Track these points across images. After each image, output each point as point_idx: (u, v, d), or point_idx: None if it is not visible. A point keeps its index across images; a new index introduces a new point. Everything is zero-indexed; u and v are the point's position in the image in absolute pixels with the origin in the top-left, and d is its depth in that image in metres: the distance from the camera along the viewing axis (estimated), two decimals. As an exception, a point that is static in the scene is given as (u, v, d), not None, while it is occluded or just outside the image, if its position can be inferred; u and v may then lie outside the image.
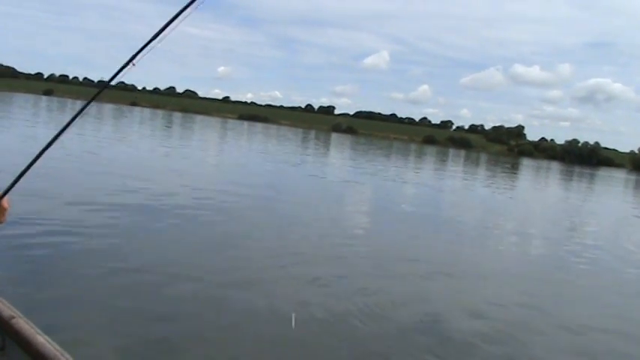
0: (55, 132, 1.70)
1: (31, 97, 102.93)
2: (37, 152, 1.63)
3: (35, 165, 1.62)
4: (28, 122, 36.23)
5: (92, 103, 1.82)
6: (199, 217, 12.22)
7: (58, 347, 1.87)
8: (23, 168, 1.63)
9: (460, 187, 31.77)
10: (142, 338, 5.65)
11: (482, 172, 49.67)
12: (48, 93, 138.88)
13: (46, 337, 1.92)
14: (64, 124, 1.72)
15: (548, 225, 19.87)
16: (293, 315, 6.15)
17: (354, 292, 8.13)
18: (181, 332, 5.94)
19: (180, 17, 2.02)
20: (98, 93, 1.96)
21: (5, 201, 1.55)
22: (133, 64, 1.93)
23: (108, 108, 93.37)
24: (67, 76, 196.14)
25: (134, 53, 1.89)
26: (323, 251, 10.68)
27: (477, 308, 8.31)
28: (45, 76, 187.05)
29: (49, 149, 1.68)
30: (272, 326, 6.36)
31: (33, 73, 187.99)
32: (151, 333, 5.81)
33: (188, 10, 2.03)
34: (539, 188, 40.29)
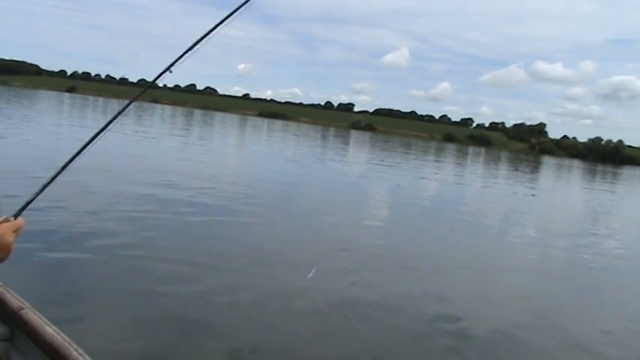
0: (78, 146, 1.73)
1: (54, 94, 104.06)
2: (60, 165, 1.66)
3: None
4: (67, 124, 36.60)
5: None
6: (220, 211, 12.33)
7: (67, 338, 1.89)
8: (45, 182, 1.65)
9: (480, 184, 31.56)
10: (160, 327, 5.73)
11: (502, 169, 49.29)
12: (71, 90, 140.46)
13: (55, 328, 1.94)
14: (91, 135, 1.75)
15: (570, 223, 19.70)
16: (313, 269, 6.09)
17: (372, 286, 8.14)
18: (203, 327, 6.01)
19: (221, 25, 2.09)
20: (128, 105, 1.98)
21: (22, 219, 1.58)
22: (170, 72, 1.99)
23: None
24: (89, 74, 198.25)
25: (173, 60, 1.92)
26: (340, 244, 10.69)
27: (496, 305, 8.29)
28: (68, 74, 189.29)
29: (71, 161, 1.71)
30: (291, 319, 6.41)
31: (56, 70, 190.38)
32: (173, 321, 5.89)
33: (229, 19, 2.11)
34: (561, 186, 39.90)
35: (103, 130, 1.81)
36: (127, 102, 2.05)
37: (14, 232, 1.55)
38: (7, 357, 2.04)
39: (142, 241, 9.05)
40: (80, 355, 1.85)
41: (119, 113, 1.89)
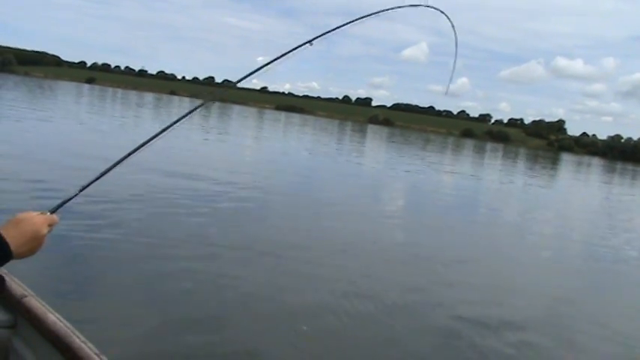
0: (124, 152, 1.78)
1: (74, 84, 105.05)
2: (91, 178, 1.67)
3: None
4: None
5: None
6: (234, 203, 12.43)
7: (69, 325, 1.91)
8: (84, 184, 1.69)
9: (498, 181, 31.40)
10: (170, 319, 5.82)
11: (520, 166, 48.95)
12: (90, 81, 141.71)
13: (58, 315, 1.95)
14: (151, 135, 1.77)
15: (588, 221, 19.54)
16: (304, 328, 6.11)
17: (389, 284, 8.15)
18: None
19: (294, 51, 2.15)
20: (191, 111, 1.99)
21: (57, 216, 1.61)
22: (237, 87, 2.06)
23: (149, 97, 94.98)
24: (108, 65, 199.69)
25: (242, 77, 2.04)
26: (357, 242, 10.72)
27: (513, 301, 8.23)
28: (88, 65, 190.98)
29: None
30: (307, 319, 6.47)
31: (76, 61, 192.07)
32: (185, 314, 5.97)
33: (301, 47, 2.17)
34: (579, 184, 39.55)
35: (157, 135, 1.81)
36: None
37: (49, 226, 1.57)
38: (10, 344, 2.06)
39: (155, 232, 9.16)
40: (83, 342, 1.87)
41: (180, 118, 1.88)
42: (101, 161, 1.77)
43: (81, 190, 1.70)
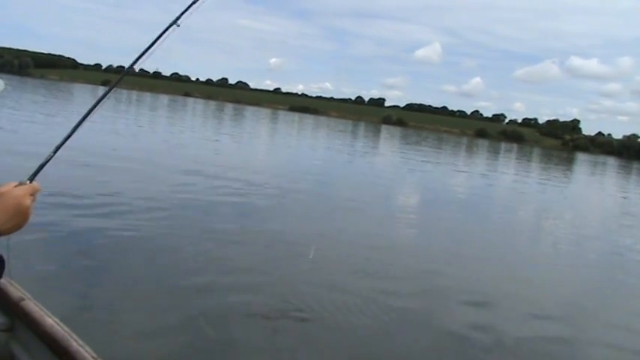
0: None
1: (90, 87, 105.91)
2: (63, 136, 1.65)
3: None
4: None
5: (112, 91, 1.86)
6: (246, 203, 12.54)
7: (67, 329, 1.89)
8: (58, 143, 1.65)
9: (512, 181, 31.27)
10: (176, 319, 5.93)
11: (535, 166, 48.67)
12: (105, 83, 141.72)
13: (56, 318, 1.94)
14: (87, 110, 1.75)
15: (603, 221, 19.41)
16: (313, 247, 6.09)
17: (404, 286, 8.20)
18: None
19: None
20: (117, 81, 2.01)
21: (37, 183, 1.54)
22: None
23: (164, 98, 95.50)
24: (123, 67, 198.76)
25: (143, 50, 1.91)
26: (370, 242, 10.77)
27: (529, 301, 8.23)
28: (103, 67, 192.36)
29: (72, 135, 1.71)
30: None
31: (92, 64, 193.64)
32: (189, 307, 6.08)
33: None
34: (594, 184, 39.25)
35: (93, 108, 1.78)
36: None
37: (31, 195, 1.48)
38: (7, 347, 2.04)
39: (172, 231, 9.29)
40: (80, 346, 1.85)
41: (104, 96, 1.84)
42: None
43: (56, 151, 1.62)
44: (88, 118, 1.73)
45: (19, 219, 1.45)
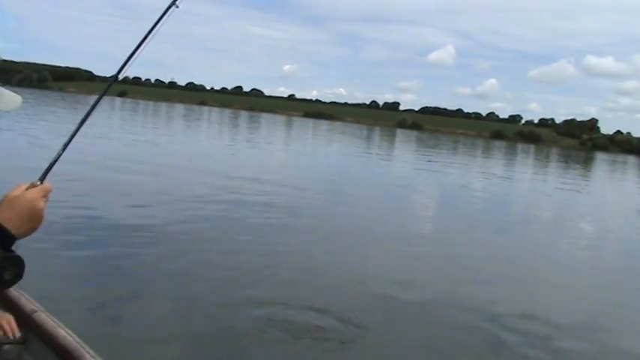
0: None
1: (107, 98, 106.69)
2: (67, 138, 1.64)
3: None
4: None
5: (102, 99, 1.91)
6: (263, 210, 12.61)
7: (79, 340, 1.89)
8: (65, 141, 1.65)
9: (530, 182, 31.05)
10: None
11: (553, 166, 48.28)
12: (122, 94, 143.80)
13: (68, 330, 1.94)
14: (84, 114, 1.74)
15: (627, 221, 19.15)
16: None
17: (421, 291, 8.20)
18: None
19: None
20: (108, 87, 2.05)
21: (48, 183, 1.55)
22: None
23: (180, 108, 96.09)
24: (139, 78, 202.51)
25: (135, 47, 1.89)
26: (389, 247, 10.80)
27: (549, 306, 8.14)
28: (119, 79, 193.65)
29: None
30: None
31: (108, 75, 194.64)
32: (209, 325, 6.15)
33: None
34: (615, 183, 38.82)
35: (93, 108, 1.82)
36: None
37: (44, 196, 1.49)
38: (20, 359, 2.04)
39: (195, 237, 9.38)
40: (92, 357, 1.85)
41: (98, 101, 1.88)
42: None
43: (64, 148, 1.63)
44: (94, 110, 1.74)
45: (33, 222, 1.46)
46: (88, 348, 1.85)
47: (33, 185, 1.50)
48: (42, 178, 1.54)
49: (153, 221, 10.16)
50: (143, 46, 1.88)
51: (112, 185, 13.41)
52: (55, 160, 1.59)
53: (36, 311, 2.05)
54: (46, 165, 1.57)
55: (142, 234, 9.16)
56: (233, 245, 9.41)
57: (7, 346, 1.93)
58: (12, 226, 1.41)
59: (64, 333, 1.91)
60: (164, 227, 9.85)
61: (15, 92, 1.68)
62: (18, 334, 1.94)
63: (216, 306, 6.44)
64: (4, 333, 1.87)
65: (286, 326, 6.01)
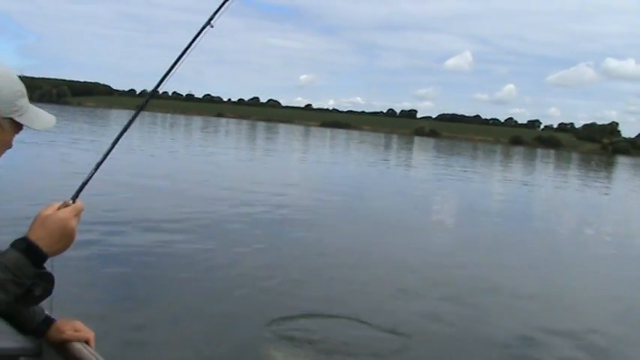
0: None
1: (126, 112, 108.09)
2: (103, 153, 1.69)
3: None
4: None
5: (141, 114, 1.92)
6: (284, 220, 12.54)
7: (94, 352, 1.87)
8: (98, 160, 1.68)
9: (551, 187, 30.70)
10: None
11: (573, 172, 47.73)
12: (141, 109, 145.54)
13: (84, 342, 1.91)
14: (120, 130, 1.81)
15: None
16: None
17: (441, 299, 8.05)
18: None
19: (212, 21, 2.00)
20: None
21: (80, 202, 1.58)
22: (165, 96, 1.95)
23: (198, 120, 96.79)
24: (157, 92, 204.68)
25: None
26: (409, 255, 10.66)
27: (573, 313, 7.98)
28: (137, 92, 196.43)
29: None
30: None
31: (127, 89, 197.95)
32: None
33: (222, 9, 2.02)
34: (638, 188, 38.23)
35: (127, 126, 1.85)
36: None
37: (76, 216, 1.53)
38: None
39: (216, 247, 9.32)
40: None
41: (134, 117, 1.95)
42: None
43: (96, 168, 1.65)
44: (127, 131, 1.78)
45: (65, 241, 1.51)
46: (102, 359, 1.83)
47: (65, 204, 1.54)
48: (74, 197, 1.58)
49: (176, 228, 10.11)
50: (180, 62, 1.95)
51: (135, 194, 13.46)
52: (88, 180, 1.62)
53: None
54: (78, 184, 1.59)
55: (162, 242, 9.13)
56: (262, 254, 9.35)
57: (22, 358, 1.90)
58: (43, 245, 1.46)
59: (80, 345, 1.88)
60: (189, 235, 9.78)
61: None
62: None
63: (244, 318, 6.36)
64: (68, 339, 1.89)
65: (325, 339, 5.99)
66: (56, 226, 1.49)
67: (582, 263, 11.95)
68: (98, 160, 1.66)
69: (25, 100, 1.65)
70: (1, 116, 1.56)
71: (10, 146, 1.65)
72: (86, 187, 1.51)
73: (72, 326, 1.90)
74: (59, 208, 1.52)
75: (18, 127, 1.64)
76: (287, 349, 5.70)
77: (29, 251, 1.46)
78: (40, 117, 1.70)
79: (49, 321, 1.88)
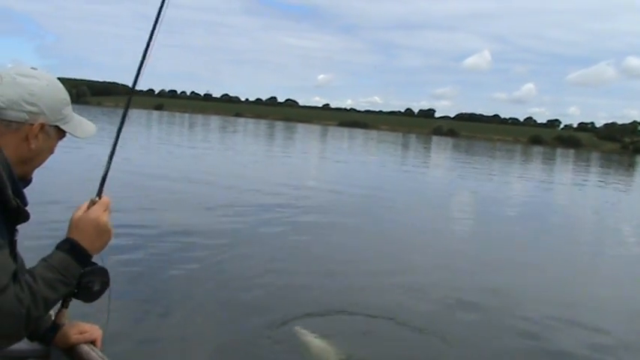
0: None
1: (144, 112, 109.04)
2: (111, 144, 1.77)
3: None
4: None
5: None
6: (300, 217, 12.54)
7: (102, 354, 1.87)
8: (109, 152, 1.75)
9: (571, 187, 30.38)
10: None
11: (593, 172, 47.14)
12: (158, 108, 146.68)
13: (92, 345, 1.92)
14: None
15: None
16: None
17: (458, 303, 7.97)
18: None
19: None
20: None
21: (106, 197, 1.66)
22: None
23: (216, 120, 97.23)
24: (175, 91, 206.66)
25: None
26: (426, 257, 10.60)
27: (592, 317, 7.84)
28: (156, 92, 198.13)
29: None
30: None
31: (145, 89, 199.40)
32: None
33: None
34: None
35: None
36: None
37: (105, 211, 1.62)
38: None
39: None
40: None
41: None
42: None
43: (110, 161, 1.73)
44: (126, 121, 1.85)
45: (103, 237, 1.61)
46: None
47: (92, 202, 1.63)
48: (99, 193, 1.66)
49: (195, 228, 10.12)
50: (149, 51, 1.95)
51: (156, 194, 13.53)
52: (106, 174, 1.71)
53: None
54: (99, 180, 1.68)
55: (180, 240, 9.17)
56: (289, 253, 9.45)
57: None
58: (85, 245, 1.57)
59: (87, 348, 1.88)
60: (207, 234, 9.79)
61: None
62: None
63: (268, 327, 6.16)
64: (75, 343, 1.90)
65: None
66: (90, 226, 1.58)
67: (606, 264, 11.82)
68: (109, 153, 1.73)
69: (70, 109, 1.70)
70: (48, 124, 1.61)
71: (52, 152, 1.69)
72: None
73: (78, 329, 1.90)
74: (88, 207, 1.62)
75: (62, 134, 1.69)
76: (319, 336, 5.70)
77: (73, 251, 1.55)
78: (82, 125, 1.75)
79: (56, 327, 1.89)
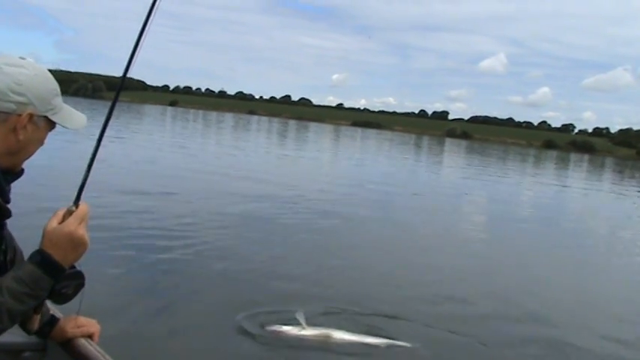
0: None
1: (159, 107, 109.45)
2: (91, 153, 1.67)
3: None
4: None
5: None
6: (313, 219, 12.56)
7: (99, 349, 1.88)
8: (88, 162, 1.67)
9: (584, 191, 30.16)
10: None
11: (607, 178, 46.75)
12: (173, 104, 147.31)
13: (89, 339, 1.92)
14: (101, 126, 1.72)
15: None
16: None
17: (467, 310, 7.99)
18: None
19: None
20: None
21: (84, 205, 1.58)
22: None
23: (229, 117, 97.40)
24: (190, 88, 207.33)
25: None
26: (436, 259, 10.61)
27: (603, 327, 7.84)
28: (171, 88, 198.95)
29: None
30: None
31: (160, 85, 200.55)
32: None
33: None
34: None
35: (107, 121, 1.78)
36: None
37: (80, 223, 1.53)
38: None
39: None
40: None
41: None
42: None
43: (88, 169, 1.65)
44: (107, 128, 1.74)
45: (77, 250, 1.52)
46: (108, 356, 1.83)
47: (69, 211, 1.54)
48: (76, 202, 1.57)
49: (198, 226, 10.17)
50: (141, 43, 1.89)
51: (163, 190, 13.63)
52: (84, 182, 1.62)
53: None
54: (76, 189, 1.59)
55: (183, 239, 9.04)
56: (302, 252, 9.46)
57: (27, 353, 1.93)
58: (57, 258, 1.49)
59: (84, 341, 1.90)
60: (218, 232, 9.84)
61: (71, 102, 1.70)
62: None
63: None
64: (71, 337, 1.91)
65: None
66: (64, 240, 1.50)
67: (619, 270, 11.79)
68: (88, 162, 1.65)
69: (60, 99, 1.66)
70: (37, 114, 1.57)
71: (42, 143, 1.65)
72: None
73: (75, 323, 1.92)
74: (64, 216, 1.53)
75: (51, 125, 1.65)
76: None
77: (44, 264, 1.47)
78: (72, 116, 1.71)
79: (53, 321, 1.91)
